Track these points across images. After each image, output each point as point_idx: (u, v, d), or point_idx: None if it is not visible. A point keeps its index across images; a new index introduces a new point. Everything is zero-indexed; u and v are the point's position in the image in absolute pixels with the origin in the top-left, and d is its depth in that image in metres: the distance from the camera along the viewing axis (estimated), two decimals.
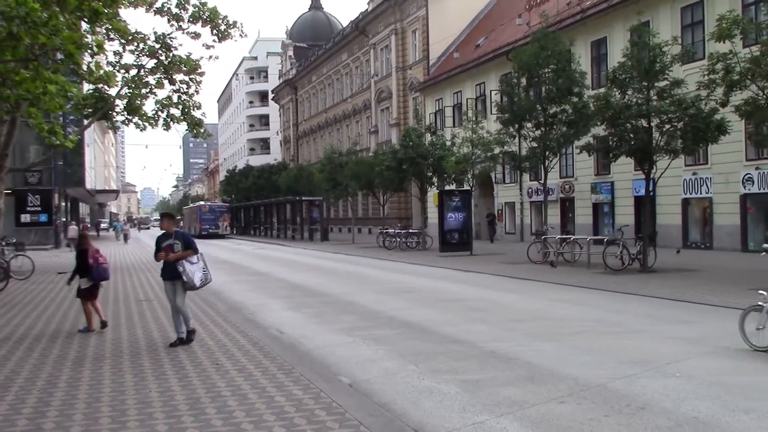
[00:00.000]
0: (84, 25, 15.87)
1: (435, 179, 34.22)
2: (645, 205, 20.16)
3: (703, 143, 18.77)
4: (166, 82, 19.09)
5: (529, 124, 23.60)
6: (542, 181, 24.32)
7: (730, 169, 24.35)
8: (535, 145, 23.78)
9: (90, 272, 10.43)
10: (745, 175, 23.85)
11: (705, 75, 15.56)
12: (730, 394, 6.47)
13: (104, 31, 17.62)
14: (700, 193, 25.82)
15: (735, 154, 23.98)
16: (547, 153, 23.43)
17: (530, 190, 35.61)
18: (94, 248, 10.66)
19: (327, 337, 10.13)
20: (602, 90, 20.42)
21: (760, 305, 8.21)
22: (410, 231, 35.68)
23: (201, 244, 26.16)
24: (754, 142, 21.82)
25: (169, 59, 18.80)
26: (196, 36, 19.10)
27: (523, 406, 6.25)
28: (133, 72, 19.09)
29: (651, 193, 20.00)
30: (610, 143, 19.25)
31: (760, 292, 8.26)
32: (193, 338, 9.32)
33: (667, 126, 17.89)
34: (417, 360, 8.31)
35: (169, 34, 18.82)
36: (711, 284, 15.32)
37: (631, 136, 18.37)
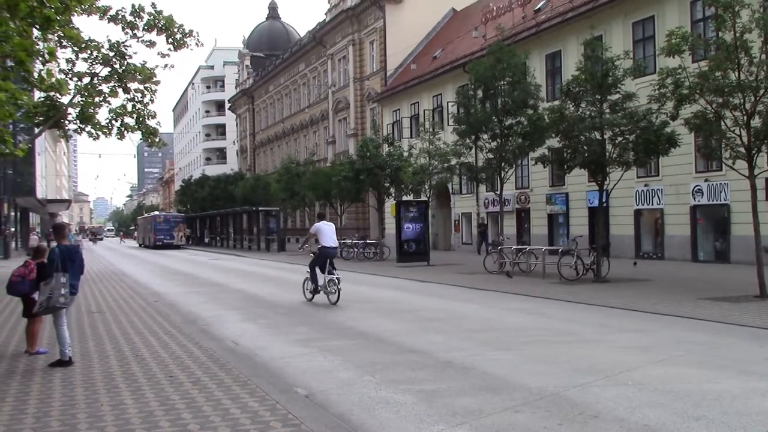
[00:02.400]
0: (35, 32, 15.57)
1: (392, 190, 34.29)
2: (599, 216, 20.51)
3: (655, 155, 19.15)
4: (120, 90, 18.83)
5: (485, 136, 23.79)
6: (498, 192, 24.56)
7: (680, 181, 24.90)
8: (491, 156, 23.99)
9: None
10: (694, 187, 24.40)
11: (656, 89, 15.88)
12: (680, 401, 6.59)
13: (56, 39, 17.32)
14: (652, 204, 26.34)
15: (685, 167, 24.53)
16: (503, 164, 23.65)
17: (487, 201, 35.92)
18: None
19: (283, 348, 10.06)
20: (557, 102, 20.72)
21: None
22: (368, 241, 35.70)
23: (156, 255, 25.62)
24: (703, 155, 22.32)
25: (124, 68, 18.56)
26: (152, 44, 18.90)
27: (479, 416, 6.29)
28: (86, 80, 18.78)
29: (604, 204, 20.33)
30: (565, 155, 19.54)
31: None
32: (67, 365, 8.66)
33: (620, 138, 18.23)
34: (373, 370, 8.31)
35: (123, 42, 18.59)
36: (662, 294, 15.61)
37: (585, 148, 18.67)
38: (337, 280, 15.08)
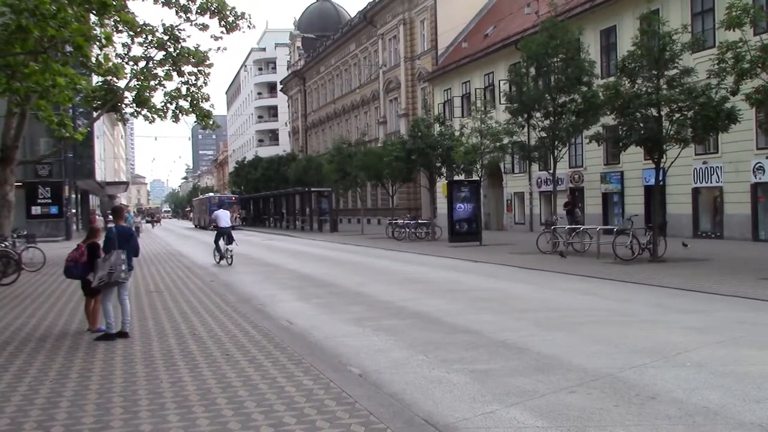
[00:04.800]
0: (92, 18, 15.89)
1: (444, 169, 34.16)
2: (655, 195, 20.08)
3: (714, 132, 18.66)
4: (174, 74, 19.14)
5: (538, 114, 23.51)
6: (551, 171, 24.25)
7: (740, 158, 24.21)
8: (544, 134, 23.69)
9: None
10: (755, 164, 23.71)
11: (715, 63, 15.46)
12: (741, 383, 6.45)
13: (112, 24, 17.64)
14: (711, 183, 25.70)
15: (745, 143, 23.84)
16: (556, 143, 23.34)
17: (539, 180, 35.51)
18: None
19: (337, 328, 10.15)
20: (612, 79, 20.32)
21: None
22: (419, 221, 35.64)
23: (210, 236, 26.08)
24: (764, 131, 21.70)
25: (178, 51, 18.84)
26: (204, 27, 19.13)
27: (533, 396, 6.26)
28: (142, 64, 19.14)
29: (661, 183, 19.90)
30: (620, 133, 19.16)
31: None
32: (111, 338, 9.06)
33: (677, 115, 17.78)
34: (426, 350, 8.33)
35: (177, 26, 18.85)
36: (721, 273, 15.26)
37: (641, 125, 18.27)
38: (231, 250, 21.61)
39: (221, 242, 21.83)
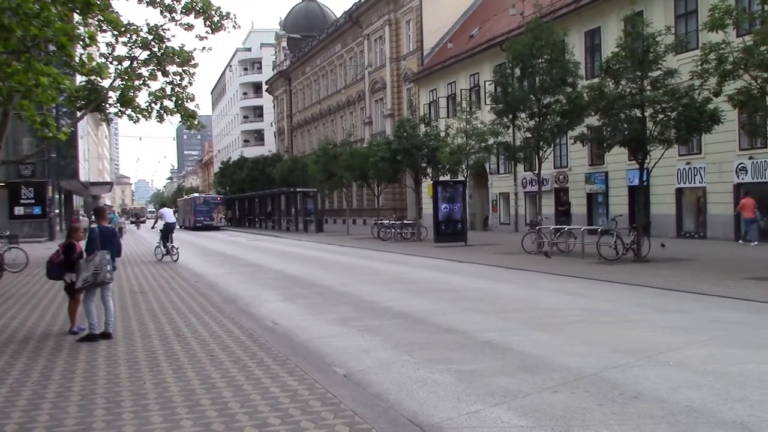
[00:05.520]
0: (76, 17, 15.77)
1: (429, 170, 34.17)
2: (639, 195, 20.21)
3: (697, 133, 18.76)
4: (159, 73, 19.01)
5: (523, 115, 23.58)
6: (536, 172, 24.34)
7: (723, 159, 24.40)
8: (529, 135, 23.77)
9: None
10: (738, 165, 23.91)
11: (698, 65, 15.56)
12: (722, 382, 6.50)
13: (96, 23, 17.50)
14: (694, 183, 25.88)
15: (728, 144, 24.03)
16: (541, 143, 23.42)
17: (524, 181, 35.63)
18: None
19: (322, 328, 10.14)
20: (596, 80, 20.41)
21: None
22: (405, 222, 35.66)
23: (196, 236, 26.06)
24: (747, 132, 21.86)
25: (162, 51, 18.71)
26: (189, 27, 19.01)
27: (517, 396, 6.28)
28: (126, 64, 19.00)
29: (645, 183, 20.02)
30: (604, 133, 19.26)
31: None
32: (94, 339, 9.03)
33: (661, 116, 17.89)
34: (412, 350, 8.34)
35: (161, 26, 18.73)
36: (704, 273, 15.37)
37: (625, 126, 18.36)
38: (176, 246, 23.34)
39: (165, 240, 23.47)
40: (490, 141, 27.19)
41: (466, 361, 7.76)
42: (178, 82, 19.22)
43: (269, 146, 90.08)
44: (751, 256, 18.82)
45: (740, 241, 23.03)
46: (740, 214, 23.20)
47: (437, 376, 7.08)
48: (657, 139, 18.14)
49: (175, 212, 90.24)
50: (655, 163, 19.19)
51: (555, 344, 8.47)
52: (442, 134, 32.34)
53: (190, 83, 19.51)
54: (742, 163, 23.77)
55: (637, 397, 6.11)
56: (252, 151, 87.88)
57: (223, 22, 18.75)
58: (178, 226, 67.30)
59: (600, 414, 5.70)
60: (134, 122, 19.54)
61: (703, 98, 16.99)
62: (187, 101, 19.50)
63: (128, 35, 18.60)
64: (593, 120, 20.56)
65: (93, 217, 10.19)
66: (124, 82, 18.76)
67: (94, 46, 17.07)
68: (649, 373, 6.91)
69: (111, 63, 18.87)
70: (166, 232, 23.50)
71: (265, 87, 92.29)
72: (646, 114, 18.21)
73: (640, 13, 23.05)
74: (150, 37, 18.65)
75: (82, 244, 9.52)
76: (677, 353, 7.76)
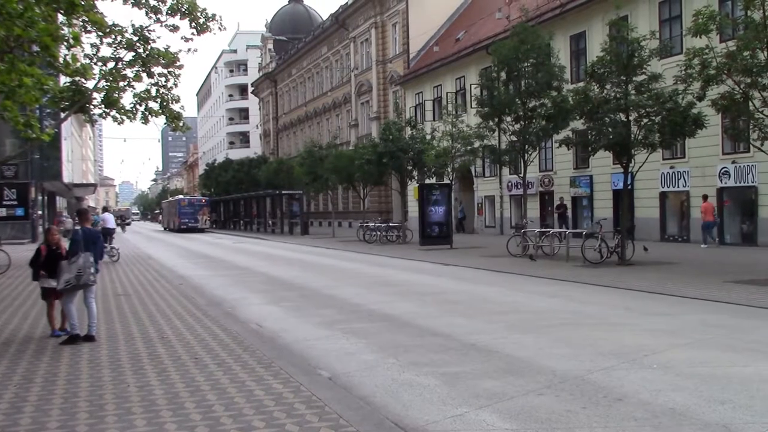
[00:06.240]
0: (60, 17, 15.67)
1: (415, 173, 34.22)
2: (623, 199, 20.31)
3: (681, 137, 18.90)
4: (144, 75, 18.89)
5: (508, 118, 23.66)
6: (522, 175, 24.42)
7: (706, 163, 24.59)
8: (514, 138, 23.85)
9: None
10: (721, 169, 24.10)
11: (682, 69, 15.66)
12: (706, 385, 6.54)
13: (81, 24, 17.38)
14: (678, 187, 26.06)
15: (711, 148, 24.22)
16: (526, 147, 23.52)
17: (510, 184, 35.71)
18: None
19: (307, 331, 10.12)
20: (581, 84, 20.51)
21: None
22: (390, 224, 35.63)
23: (181, 238, 25.90)
24: (730, 136, 22.05)
25: (147, 52, 18.60)
26: (175, 29, 18.91)
27: (502, 399, 6.29)
28: (111, 65, 18.87)
29: (629, 187, 20.14)
30: (589, 137, 19.34)
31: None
32: (76, 342, 8.96)
33: (645, 120, 18.01)
34: (397, 353, 8.33)
35: (147, 27, 18.62)
36: (688, 276, 15.47)
37: (610, 129, 18.46)
38: (117, 248, 24.84)
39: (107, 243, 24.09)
40: (476, 144, 27.28)
41: (451, 363, 7.76)
42: (164, 83, 19.11)
43: (255, 148, 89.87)
44: (733, 260, 18.97)
45: (703, 245, 23.59)
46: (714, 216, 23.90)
47: (422, 379, 7.08)
48: (641, 143, 18.25)
49: (117, 219, 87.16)
50: (640, 167, 19.30)
51: (540, 347, 8.49)
52: (428, 137, 32.41)
53: (176, 85, 19.40)
54: (725, 167, 23.96)
55: (621, 400, 6.14)
56: (237, 153, 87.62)
57: (208, 23, 18.66)
58: (163, 228, 66.67)
59: (584, 417, 5.72)
60: (119, 124, 19.42)
61: (687, 103, 17.11)
62: (172, 103, 19.39)
63: (113, 36, 18.47)
64: (578, 124, 20.65)
65: (76, 218, 10.11)
66: (108, 84, 18.63)
67: (79, 47, 16.95)
68: (633, 376, 6.94)
69: (95, 64, 18.73)
70: (105, 235, 23.50)
71: (250, 89, 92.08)
72: (631, 118, 18.32)
73: (625, 18, 23.15)
74: (135, 39, 18.53)
75: (67, 244, 9.45)
76: (661, 356, 7.80)
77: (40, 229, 40.69)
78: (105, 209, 30.05)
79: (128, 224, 70.92)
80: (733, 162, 23.66)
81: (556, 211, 30.32)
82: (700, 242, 23.89)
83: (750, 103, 14.78)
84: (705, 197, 23.74)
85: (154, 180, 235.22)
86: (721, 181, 24.20)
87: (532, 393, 6.45)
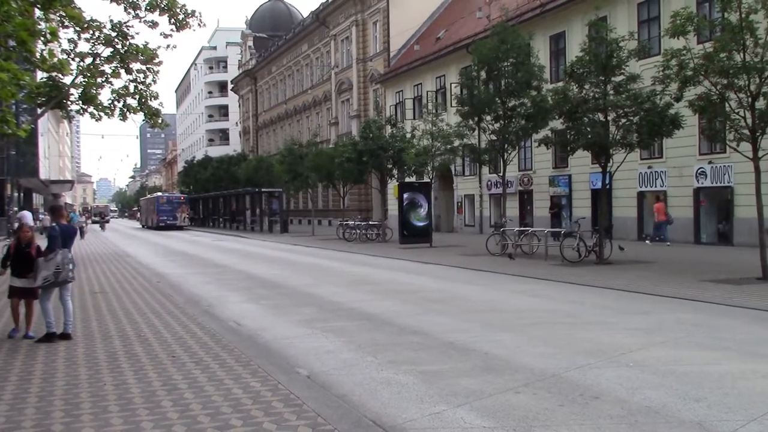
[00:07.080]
0: (37, 12, 15.51)
1: (395, 171, 34.24)
2: (602, 198, 20.48)
3: (658, 137, 19.09)
4: (122, 71, 18.79)
5: (488, 117, 23.74)
6: (501, 174, 24.51)
7: (683, 163, 24.83)
8: (494, 137, 23.94)
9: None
10: (698, 169, 24.34)
11: (660, 70, 15.78)
12: (681, 383, 6.61)
13: (58, 18, 17.24)
14: (655, 187, 26.29)
15: (688, 149, 24.46)
16: (506, 146, 23.62)
17: (489, 183, 35.84)
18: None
19: (285, 329, 10.09)
20: (560, 84, 20.62)
21: None
22: (370, 223, 35.66)
23: (159, 236, 25.80)
24: (706, 137, 22.26)
25: (126, 48, 18.50)
26: (154, 25, 18.83)
27: (480, 396, 6.31)
28: (89, 60, 18.75)
29: (607, 186, 20.31)
30: (568, 137, 19.46)
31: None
32: (52, 340, 8.86)
33: (624, 120, 18.15)
34: (375, 351, 8.33)
35: (125, 23, 18.52)
36: (664, 276, 15.61)
37: (588, 129, 18.59)
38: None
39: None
40: (456, 143, 27.33)
41: (429, 362, 7.77)
42: (142, 79, 19.03)
43: (234, 146, 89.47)
44: (710, 260, 19.17)
45: (648, 242, 25.05)
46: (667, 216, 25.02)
47: (401, 377, 7.09)
48: (619, 143, 18.39)
49: (97, 216, 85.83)
50: (618, 166, 19.45)
51: (518, 345, 8.53)
52: (408, 136, 32.45)
53: (154, 81, 19.32)
54: (701, 167, 24.21)
55: (597, 398, 6.18)
56: (217, 151, 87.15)
57: (188, 20, 18.60)
58: (141, 225, 66.59)
59: (561, 414, 5.76)
60: (96, 120, 19.30)
61: (665, 103, 17.27)
62: (150, 99, 19.31)
63: (91, 31, 18.35)
64: (557, 123, 20.77)
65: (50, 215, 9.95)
66: (86, 79, 18.50)
67: (56, 42, 16.82)
68: (610, 374, 6.99)
69: (73, 59, 18.60)
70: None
71: (230, 86, 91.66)
72: (609, 118, 18.46)
73: (604, 19, 23.33)
74: (113, 34, 18.42)
75: (44, 242, 9.33)
76: (637, 354, 7.87)
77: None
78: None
79: (107, 222, 70.13)
80: (710, 162, 23.90)
81: (550, 212, 30.88)
82: (661, 239, 24.94)
83: (726, 105, 14.93)
84: (657, 198, 24.48)
85: (132, 177, 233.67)
86: (697, 181, 24.45)
87: (510, 391, 6.48)
